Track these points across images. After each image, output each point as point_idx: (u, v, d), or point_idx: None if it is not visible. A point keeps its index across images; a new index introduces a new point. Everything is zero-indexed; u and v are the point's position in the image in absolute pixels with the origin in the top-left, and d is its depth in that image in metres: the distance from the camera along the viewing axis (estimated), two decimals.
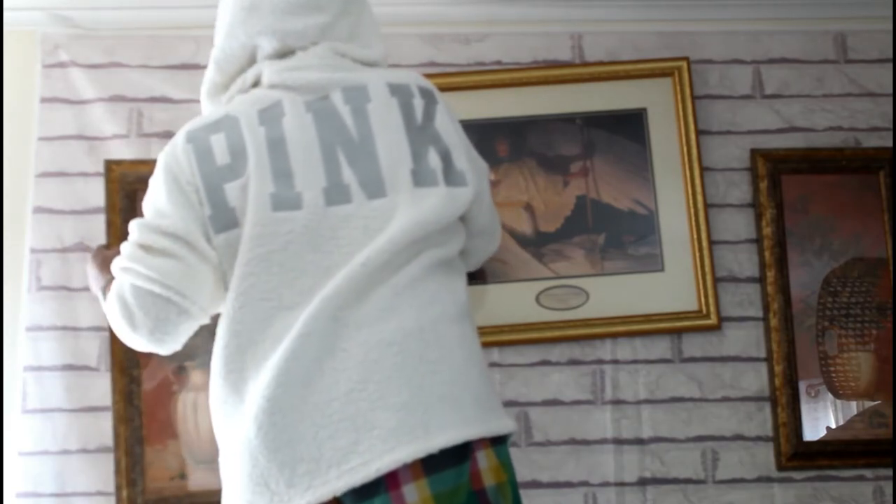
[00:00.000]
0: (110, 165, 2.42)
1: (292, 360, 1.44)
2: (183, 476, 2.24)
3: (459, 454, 1.43)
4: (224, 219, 1.55)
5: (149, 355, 2.13)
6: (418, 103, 1.63)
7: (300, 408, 1.43)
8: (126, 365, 2.30)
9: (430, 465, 1.40)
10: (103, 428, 2.36)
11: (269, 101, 1.62)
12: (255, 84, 1.68)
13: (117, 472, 2.25)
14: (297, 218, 1.52)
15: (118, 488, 2.25)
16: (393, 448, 1.39)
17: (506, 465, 1.50)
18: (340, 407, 1.42)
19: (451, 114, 1.69)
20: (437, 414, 1.42)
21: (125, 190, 2.39)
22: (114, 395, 2.30)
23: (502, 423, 1.52)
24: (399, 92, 1.62)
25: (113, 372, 2.33)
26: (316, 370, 1.44)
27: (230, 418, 1.49)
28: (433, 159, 1.59)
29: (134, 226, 1.60)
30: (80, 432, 2.35)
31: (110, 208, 2.39)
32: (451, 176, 1.60)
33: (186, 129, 1.64)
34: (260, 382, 1.45)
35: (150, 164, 2.39)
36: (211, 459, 2.22)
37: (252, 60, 1.69)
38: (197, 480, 2.23)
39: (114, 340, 2.29)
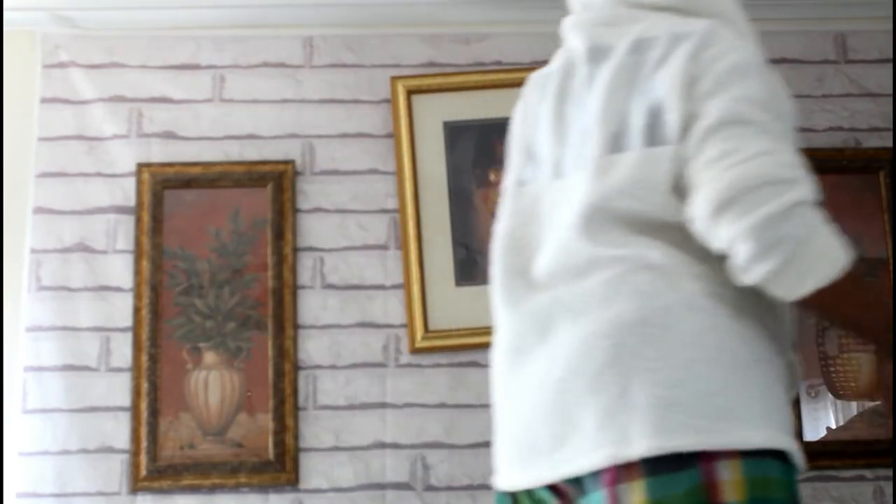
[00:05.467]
0: (140, 168, 2.46)
1: (516, 340, 1.44)
2: (192, 446, 2.36)
3: (682, 460, 1.27)
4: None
5: (164, 334, 2.40)
6: (655, 54, 1.41)
7: (519, 389, 1.41)
8: (145, 343, 2.39)
9: (650, 467, 1.27)
10: (103, 428, 2.36)
11: (552, 65, 1.60)
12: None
13: (133, 439, 2.35)
14: (529, 192, 1.51)
15: (133, 454, 2.34)
16: (592, 449, 1.30)
17: (752, 481, 1.27)
18: (550, 397, 1.35)
19: (704, 53, 1.38)
20: (641, 419, 1.27)
21: (153, 190, 2.45)
22: (133, 371, 2.37)
23: (740, 436, 1.28)
24: (641, 48, 1.44)
25: (133, 349, 2.38)
26: (536, 352, 1.40)
27: None
28: (637, 118, 1.39)
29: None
30: (80, 432, 2.35)
31: (140, 207, 2.45)
32: (654, 134, 1.37)
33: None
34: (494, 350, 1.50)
35: (175, 167, 2.44)
36: (217, 432, 2.36)
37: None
38: (204, 451, 2.36)
39: (138, 322, 2.38)
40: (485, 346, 2.37)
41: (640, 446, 1.26)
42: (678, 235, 1.36)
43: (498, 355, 1.49)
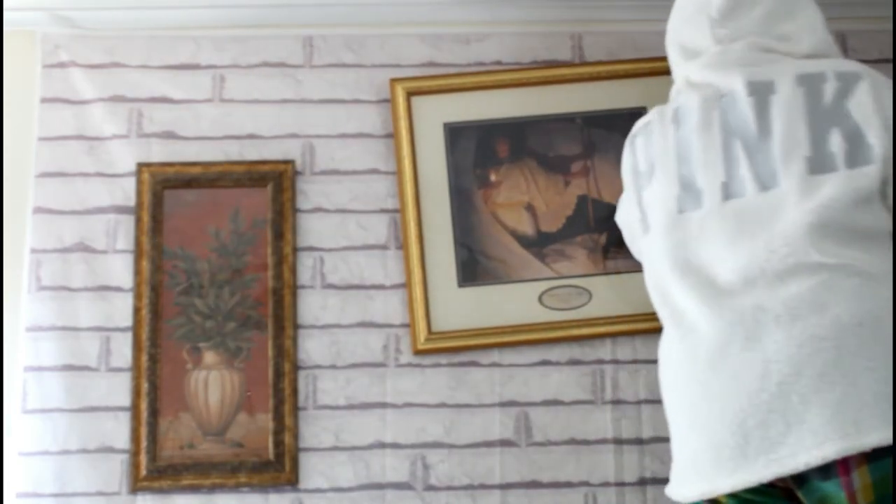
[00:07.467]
0: (140, 168, 2.46)
1: (716, 345, 1.54)
2: (192, 446, 2.35)
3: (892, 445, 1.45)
4: (643, 223, 1.77)
5: (164, 334, 2.40)
6: (830, 87, 1.66)
7: (723, 392, 1.52)
8: (145, 343, 2.38)
9: (870, 453, 1.44)
10: (103, 428, 2.36)
11: (683, 101, 1.75)
12: (687, 81, 1.81)
13: (133, 439, 2.34)
14: (693, 217, 1.65)
15: (133, 454, 2.34)
16: (822, 443, 1.43)
17: None
18: (770, 398, 1.47)
19: (883, 90, 1.69)
20: (870, 412, 1.43)
21: (153, 190, 2.44)
22: (133, 371, 2.36)
23: None
24: (808, 81, 1.67)
25: (133, 349, 2.37)
26: (742, 356, 1.51)
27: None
28: (835, 142, 1.60)
29: None
30: (80, 432, 2.35)
31: (140, 207, 2.44)
32: (857, 156, 1.59)
33: (633, 130, 1.87)
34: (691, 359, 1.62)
35: (175, 167, 2.44)
36: (217, 432, 2.36)
37: (685, 56, 1.84)
38: (204, 451, 2.35)
39: (138, 322, 2.37)
40: (487, 347, 2.39)
41: (875, 437, 1.42)
42: (877, 245, 1.55)
43: (689, 361, 1.60)
